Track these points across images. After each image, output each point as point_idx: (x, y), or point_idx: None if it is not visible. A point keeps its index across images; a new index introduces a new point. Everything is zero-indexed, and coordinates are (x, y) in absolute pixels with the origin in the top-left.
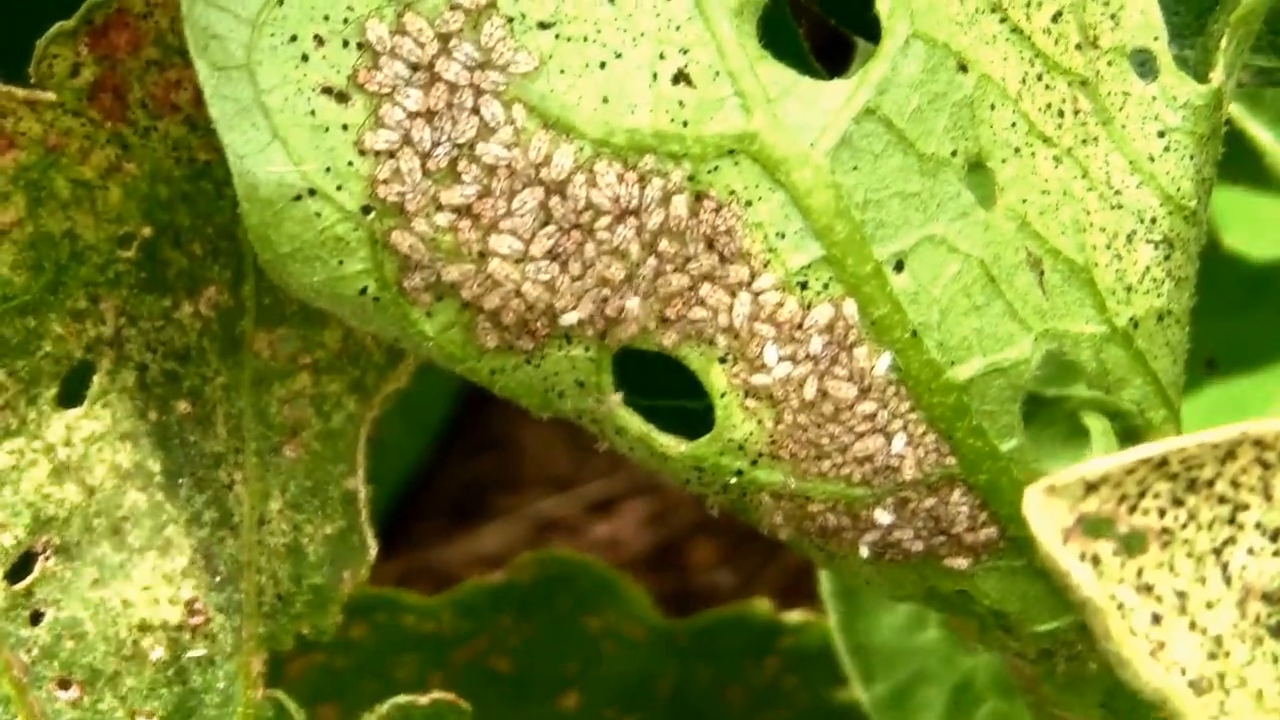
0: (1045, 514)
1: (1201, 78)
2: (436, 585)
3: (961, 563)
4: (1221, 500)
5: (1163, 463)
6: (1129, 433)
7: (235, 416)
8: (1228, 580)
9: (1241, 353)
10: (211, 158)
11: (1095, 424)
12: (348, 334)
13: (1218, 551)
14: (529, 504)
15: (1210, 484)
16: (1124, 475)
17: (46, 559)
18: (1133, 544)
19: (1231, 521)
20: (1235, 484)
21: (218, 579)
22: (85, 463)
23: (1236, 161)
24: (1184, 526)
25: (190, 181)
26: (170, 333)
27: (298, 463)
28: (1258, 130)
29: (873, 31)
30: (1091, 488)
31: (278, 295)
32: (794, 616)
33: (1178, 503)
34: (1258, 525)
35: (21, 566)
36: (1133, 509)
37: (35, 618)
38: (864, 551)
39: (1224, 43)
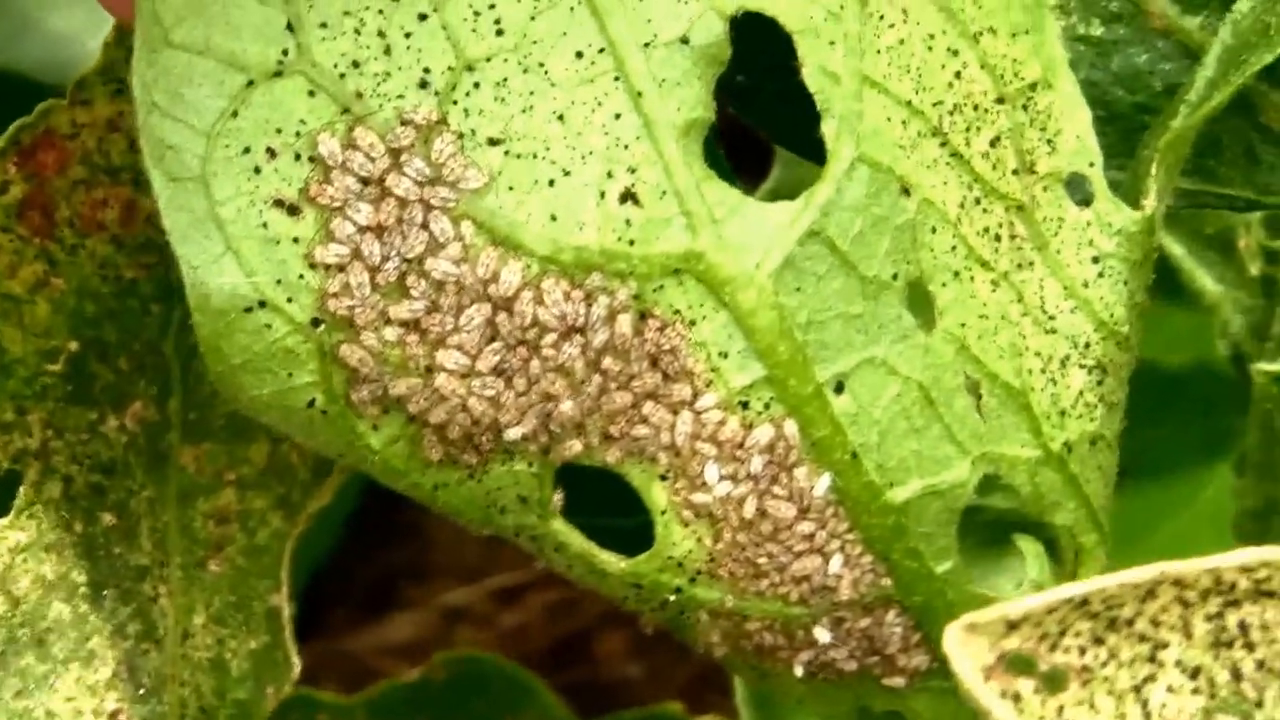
0: (966, 651)
1: (1130, 200)
2: (346, 675)
3: (895, 683)
4: (1142, 639)
5: (1084, 602)
6: (1060, 554)
7: (160, 530)
8: (1147, 717)
9: (1153, 462)
10: (138, 275)
11: (1029, 547)
12: (273, 450)
13: (1138, 689)
14: (437, 594)
15: (1130, 622)
16: (1045, 614)
17: None
18: (1054, 681)
19: (1152, 659)
20: (1155, 623)
21: (141, 691)
22: (10, 573)
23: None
24: (1104, 664)
25: (117, 298)
26: (96, 446)
27: (222, 577)
28: (1172, 245)
29: (804, 146)
30: (1013, 626)
31: (203, 411)
32: None
33: (1098, 641)
34: (1178, 663)
35: None
36: (1054, 647)
37: None
38: (798, 670)
39: (1154, 168)
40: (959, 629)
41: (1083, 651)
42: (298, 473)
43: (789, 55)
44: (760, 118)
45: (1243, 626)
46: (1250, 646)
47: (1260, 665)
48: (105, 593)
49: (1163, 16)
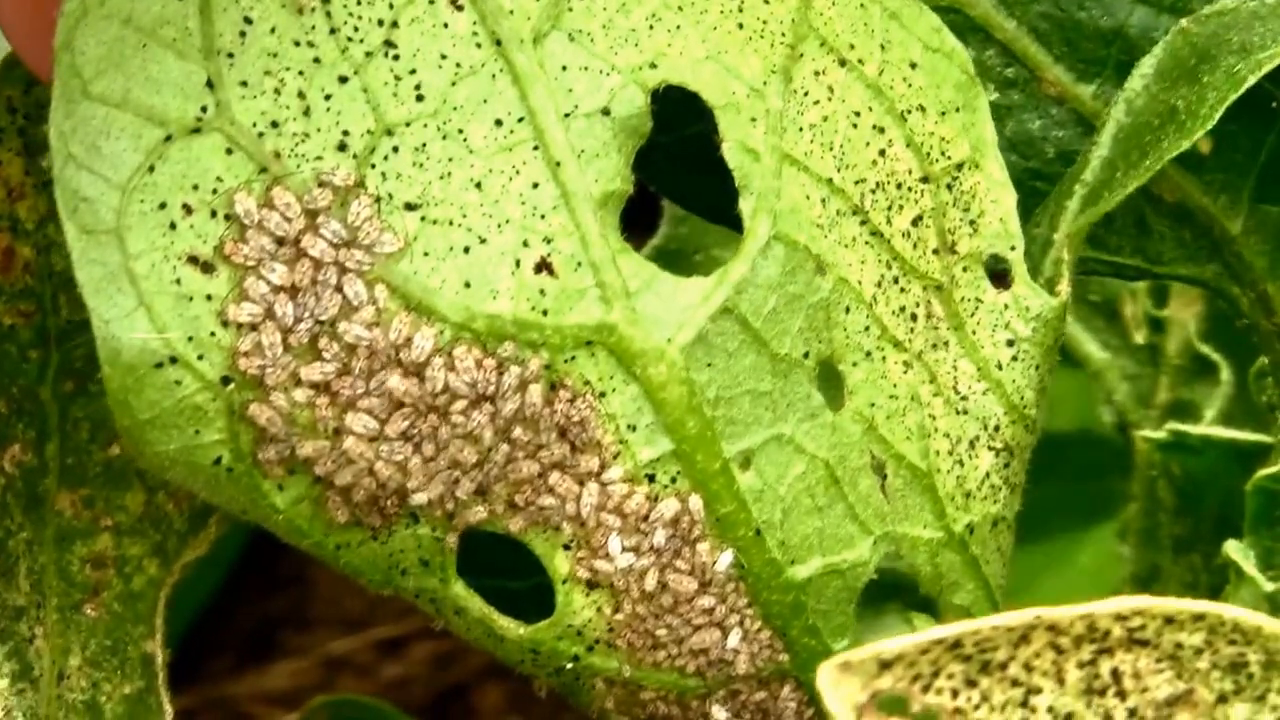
0: (839, 690)
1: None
2: None
3: None
4: (1014, 683)
5: (957, 644)
6: None
7: (38, 572)
8: None
9: (1032, 523)
10: (16, 321)
11: (924, 626)
12: (149, 499)
13: None
14: (320, 643)
15: (1004, 666)
16: (918, 655)
17: None
18: None
19: (1024, 704)
20: (1028, 667)
21: None
22: None
23: None
24: (977, 707)
25: None
26: None
27: (98, 622)
28: None
29: (694, 202)
30: (886, 666)
31: (80, 457)
32: None
33: (971, 684)
34: (1049, 709)
35: None
36: (926, 688)
37: None
38: None
39: (1066, 254)
40: (832, 667)
41: (955, 694)
42: (173, 522)
43: (681, 112)
44: (650, 173)
45: (1115, 674)
46: (1122, 695)
47: (1132, 714)
48: None
49: (1056, 84)
